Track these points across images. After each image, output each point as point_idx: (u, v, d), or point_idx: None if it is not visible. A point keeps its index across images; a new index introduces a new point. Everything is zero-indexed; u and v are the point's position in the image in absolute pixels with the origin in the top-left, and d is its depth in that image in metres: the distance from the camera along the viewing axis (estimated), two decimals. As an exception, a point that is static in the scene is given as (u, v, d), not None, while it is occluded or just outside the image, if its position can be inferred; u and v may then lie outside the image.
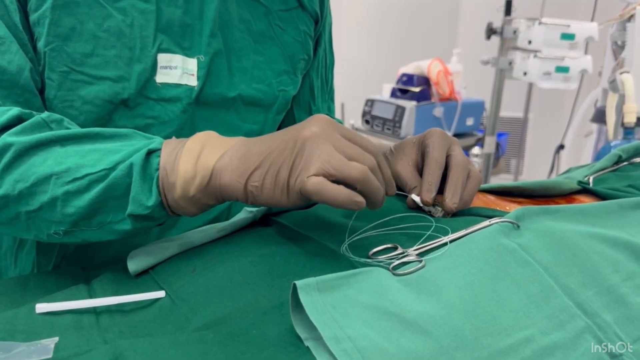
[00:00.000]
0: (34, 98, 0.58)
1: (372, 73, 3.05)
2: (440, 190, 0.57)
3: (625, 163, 0.80)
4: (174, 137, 0.54)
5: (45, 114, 0.54)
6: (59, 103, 0.59)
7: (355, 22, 3.20)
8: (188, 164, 0.49)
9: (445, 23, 3.21)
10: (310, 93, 0.85)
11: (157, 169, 0.50)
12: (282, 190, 0.48)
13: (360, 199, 0.46)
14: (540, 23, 1.80)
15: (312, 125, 0.48)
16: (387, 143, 0.69)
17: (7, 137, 0.50)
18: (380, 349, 0.35)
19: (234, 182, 0.49)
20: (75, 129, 0.53)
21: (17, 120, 0.52)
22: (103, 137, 0.52)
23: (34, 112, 0.54)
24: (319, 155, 0.46)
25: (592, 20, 1.91)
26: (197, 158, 0.50)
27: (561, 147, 2.20)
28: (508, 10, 1.95)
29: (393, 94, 2.40)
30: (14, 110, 0.52)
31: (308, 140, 0.47)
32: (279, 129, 0.81)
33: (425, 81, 2.33)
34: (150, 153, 0.50)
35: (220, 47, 0.68)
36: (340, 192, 0.46)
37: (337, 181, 0.46)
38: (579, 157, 2.13)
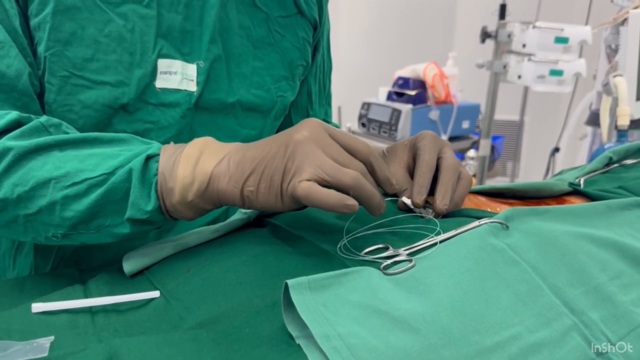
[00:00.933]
0: (31, 102, 0.58)
1: (368, 76, 3.06)
2: (431, 192, 0.57)
3: (615, 165, 0.81)
4: (171, 143, 0.54)
5: (43, 118, 0.54)
6: (59, 107, 0.59)
7: (353, 26, 3.22)
8: (186, 169, 0.50)
9: (441, 27, 3.23)
10: (307, 98, 0.86)
11: (156, 174, 0.50)
12: (276, 195, 0.49)
13: (351, 202, 0.46)
14: (534, 27, 1.81)
15: (303, 129, 0.49)
16: (382, 146, 0.70)
17: (6, 142, 0.51)
18: (370, 346, 0.36)
19: (230, 188, 0.50)
20: (74, 134, 0.54)
21: (16, 124, 0.52)
22: (101, 141, 0.53)
23: (33, 116, 0.54)
24: (311, 161, 0.47)
25: (586, 23, 1.92)
26: (196, 164, 0.51)
27: (556, 149, 2.21)
28: (502, 14, 1.97)
29: (389, 97, 2.41)
30: (13, 114, 0.53)
31: (299, 145, 0.48)
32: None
33: (421, 84, 2.34)
34: (149, 158, 0.51)
35: (219, 53, 0.68)
36: (331, 196, 0.46)
37: (328, 186, 0.47)
38: (574, 160, 2.13)
